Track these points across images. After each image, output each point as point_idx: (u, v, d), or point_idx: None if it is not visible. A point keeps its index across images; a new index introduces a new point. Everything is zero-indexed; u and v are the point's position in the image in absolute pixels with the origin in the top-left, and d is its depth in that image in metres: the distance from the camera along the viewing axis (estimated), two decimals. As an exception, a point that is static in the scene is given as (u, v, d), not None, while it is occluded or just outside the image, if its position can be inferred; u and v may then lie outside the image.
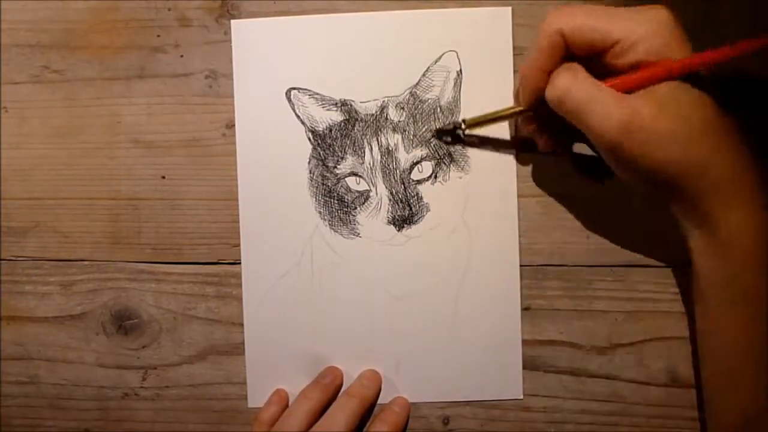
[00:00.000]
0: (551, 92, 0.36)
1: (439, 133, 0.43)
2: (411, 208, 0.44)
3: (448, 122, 0.43)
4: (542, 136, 0.41)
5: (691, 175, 0.35)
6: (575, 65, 0.36)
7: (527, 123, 0.41)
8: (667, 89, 0.34)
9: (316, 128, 0.44)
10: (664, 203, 0.38)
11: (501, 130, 0.43)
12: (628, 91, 0.35)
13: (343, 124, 0.44)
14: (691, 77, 0.34)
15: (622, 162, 0.36)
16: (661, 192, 0.37)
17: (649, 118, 0.34)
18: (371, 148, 0.44)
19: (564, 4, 0.39)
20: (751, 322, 0.35)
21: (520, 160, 0.44)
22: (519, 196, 0.44)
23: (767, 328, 0.35)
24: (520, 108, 0.40)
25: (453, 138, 0.43)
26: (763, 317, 0.35)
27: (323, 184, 0.44)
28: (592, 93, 0.35)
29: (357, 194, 0.44)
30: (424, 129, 0.44)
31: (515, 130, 0.43)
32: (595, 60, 0.36)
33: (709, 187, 0.35)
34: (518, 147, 0.43)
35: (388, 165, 0.44)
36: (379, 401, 0.45)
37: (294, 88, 0.44)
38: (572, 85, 0.35)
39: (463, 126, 0.42)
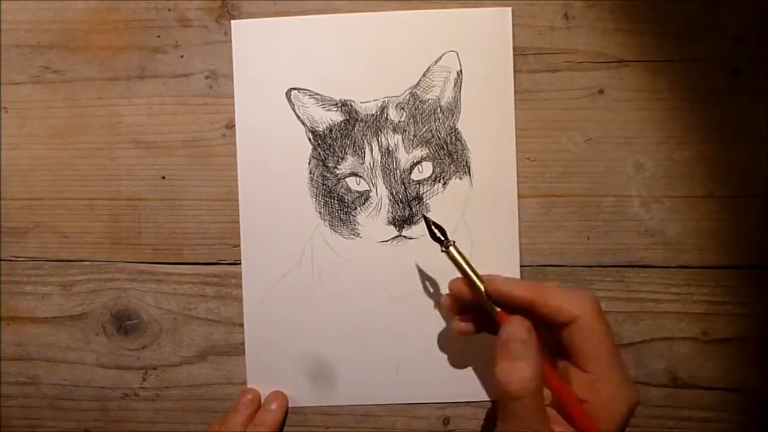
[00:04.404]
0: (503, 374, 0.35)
1: (429, 222, 0.40)
2: (411, 209, 0.44)
3: (442, 232, 0.40)
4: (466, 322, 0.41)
5: None
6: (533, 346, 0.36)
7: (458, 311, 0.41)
8: None
9: (316, 128, 0.44)
10: None
11: (502, 122, 0.44)
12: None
13: (343, 124, 0.44)
14: None
15: None
16: None
17: None
18: (371, 148, 0.44)
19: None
20: None
21: (519, 162, 0.44)
22: (519, 196, 0.44)
23: None
24: (483, 293, 0.39)
25: (432, 236, 0.40)
26: None
27: (323, 184, 0.44)
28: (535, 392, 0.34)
29: (357, 194, 0.44)
30: (424, 129, 0.44)
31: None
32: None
33: None
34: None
35: (389, 165, 0.44)
36: (377, 402, 0.45)
37: (294, 89, 0.44)
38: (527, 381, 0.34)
39: (447, 247, 0.40)
